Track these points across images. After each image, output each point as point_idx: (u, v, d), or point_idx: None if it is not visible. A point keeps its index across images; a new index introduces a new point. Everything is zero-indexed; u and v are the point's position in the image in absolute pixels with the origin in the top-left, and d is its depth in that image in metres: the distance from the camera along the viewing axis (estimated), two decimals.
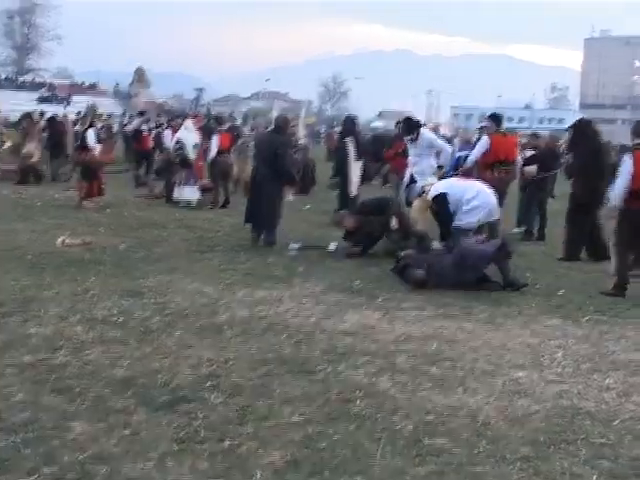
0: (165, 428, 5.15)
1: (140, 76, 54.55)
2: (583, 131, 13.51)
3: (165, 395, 5.73)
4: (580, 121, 13.94)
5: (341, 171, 16.00)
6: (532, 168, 15.48)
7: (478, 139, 15.64)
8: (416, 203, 12.38)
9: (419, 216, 12.37)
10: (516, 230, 16.21)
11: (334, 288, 9.72)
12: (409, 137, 14.36)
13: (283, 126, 13.71)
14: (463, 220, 11.52)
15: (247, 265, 11.04)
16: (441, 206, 11.68)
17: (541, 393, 6.25)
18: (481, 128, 18.56)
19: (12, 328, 7.39)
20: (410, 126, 14.56)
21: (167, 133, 19.61)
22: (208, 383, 6.02)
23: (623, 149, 18.50)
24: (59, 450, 4.77)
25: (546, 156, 16.03)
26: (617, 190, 10.56)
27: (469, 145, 16.75)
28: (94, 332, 7.33)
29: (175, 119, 21.22)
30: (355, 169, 16.24)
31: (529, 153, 16.57)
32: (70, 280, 9.51)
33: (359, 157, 16.36)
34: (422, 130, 14.60)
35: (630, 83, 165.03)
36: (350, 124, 17.78)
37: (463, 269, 10.06)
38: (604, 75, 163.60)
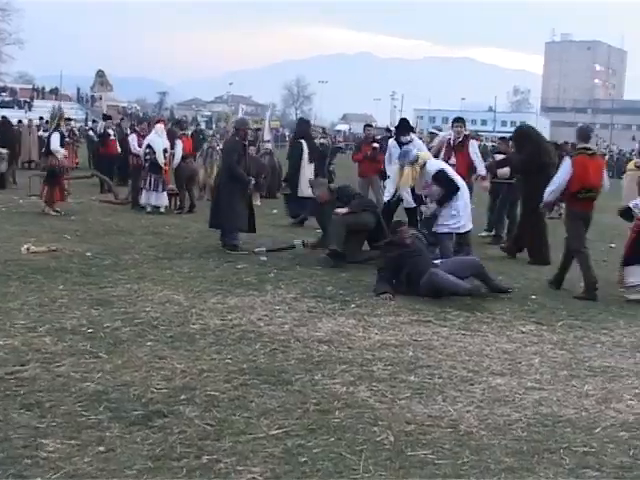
0: (140, 444, 4.99)
1: (101, 78, 53.85)
2: (526, 133, 14.44)
3: (139, 409, 5.56)
4: (522, 126, 14.42)
5: (293, 171, 16.05)
6: (505, 170, 15.46)
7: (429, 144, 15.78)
8: (407, 170, 11.91)
9: (404, 183, 12.14)
10: (484, 234, 16.23)
11: (306, 294, 9.61)
12: (405, 139, 13.59)
13: (239, 128, 13.58)
14: (450, 222, 11.43)
15: (217, 272, 10.89)
16: (445, 180, 11.43)
17: (521, 401, 6.18)
18: (432, 133, 18.66)
19: None
20: (407, 128, 14.08)
21: (132, 137, 19.35)
22: (182, 396, 5.87)
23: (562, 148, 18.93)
24: (31, 470, 4.59)
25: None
26: (549, 188, 10.96)
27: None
28: (63, 343, 7.14)
29: (140, 123, 20.98)
30: (307, 170, 16.26)
31: (499, 157, 16.58)
32: (37, 289, 9.29)
33: (311, 159, 16.36)
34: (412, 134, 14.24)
35: (590, 86, 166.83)
36: (304, 126, 17.76)
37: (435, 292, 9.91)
38: (565, 79, 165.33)
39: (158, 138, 18.01)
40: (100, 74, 53.76)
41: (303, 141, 16.91)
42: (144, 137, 18.42)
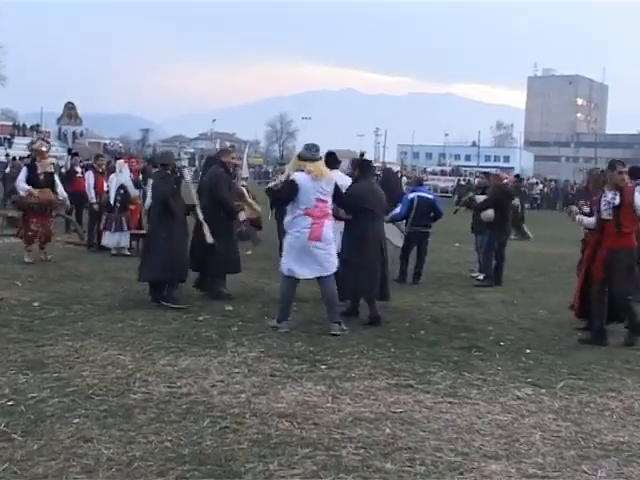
0: None
1: (70, 111, 52.47)
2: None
3: None
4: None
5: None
6: (489, 213, 14.49)
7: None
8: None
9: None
10: (477, 275, 15.24)
11: (271, 353, 8.42)
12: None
13: (222, 157, 12.29)
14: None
15: (173, 325, 9.70)
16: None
17: None
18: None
19: None
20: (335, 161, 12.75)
21: (88, 174, 18.18)
22: None
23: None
24: None
25: (498, 197, 14.99)
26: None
27: (422, 186, 15.82)
28: None
29: (96, 160, 19.59)
30: None
31: (481, 198, 15.59)
32: None
33: None
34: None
35: (573, 120, 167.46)
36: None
37: None
38: (547, 113, 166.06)
39: (113, 175, 16.94)
40: (69, 106, 52.59)
41: None
42: (102, 174, 17.34)
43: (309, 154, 10.06)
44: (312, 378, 7.54)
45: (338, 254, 10.16)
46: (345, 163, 16.54)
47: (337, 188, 10.19)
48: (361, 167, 11.15)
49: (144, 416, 6.22)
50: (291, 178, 10.01)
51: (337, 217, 10.44)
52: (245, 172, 26.49)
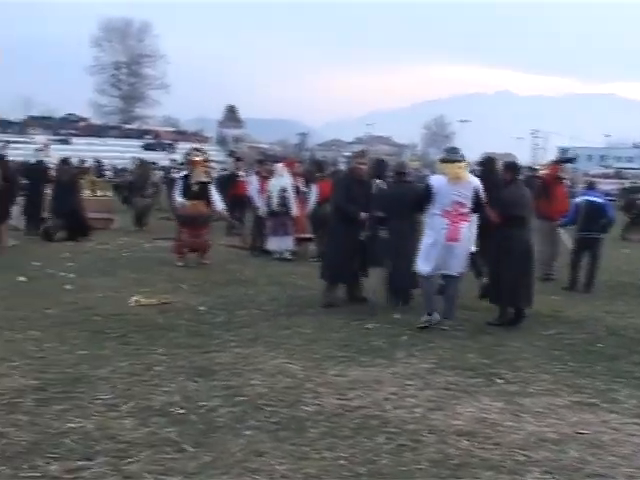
0: None
1: (231, 114, 53.41)
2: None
3: None
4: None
5: None
6: None
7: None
8: None
9: None
10: None
11: (444, 364, 8.05)
12: None
13: (351, 164, 12.23)
14: None
15: (342, 334, 9.42)
16: None
17: None
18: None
19: (46, 421, 6.00)
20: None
21: (253, 179, 18.22)
22: None
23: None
24: None
25: None
26: None
27: (593, 190, 15.01)
28: (145, 429, 5.88)
29: (260, 164, 19.58)
30: None
31: None
32: (133, 353, 8.13)
33: None
34: None
35: None
36: (381, 167, 16.64)
37: None
38: None
39: (274, 180, 16.90)
40: (231, 109, 53.42)
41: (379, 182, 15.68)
42: (266, 179, 17.27)
43: (448, 157, 10.19)
44: (489, 393, 7.14)
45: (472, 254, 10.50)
46: None
47: (476, 192, 10.10)
48: (512, 171, 10.79)
49: (316, 430, 5.97)
50: (428, 181, 10.39)
51: (486, 219, 10.41)
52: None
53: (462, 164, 10.14)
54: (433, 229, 10.01)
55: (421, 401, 6.80)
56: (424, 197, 10.13)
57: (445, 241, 9.88)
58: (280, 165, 17.74)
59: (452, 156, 10.20)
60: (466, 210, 10.01)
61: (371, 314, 10.46)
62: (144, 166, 26.10)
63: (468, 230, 10.13)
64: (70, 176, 20.20)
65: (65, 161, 21.21)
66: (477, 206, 10.15)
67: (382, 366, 7.92)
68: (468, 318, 10.39)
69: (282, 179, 16.89)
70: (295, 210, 16.83)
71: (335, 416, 6.31)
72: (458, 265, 10.09)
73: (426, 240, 10.11)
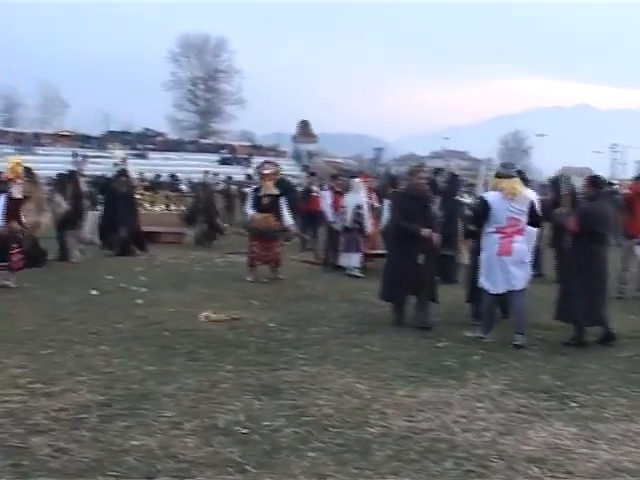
0: None
1: (304, 129, 53.46)
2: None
3: None
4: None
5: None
6: None
7: None
8: None
9: None
10: None
11: (516, 386, 7.79)
12: None
13: (409, 179, 11.77)
14: None
15: (412, 353, 9.22)
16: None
17: None
18: None
19: (109, 438, 5.95)
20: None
21: (326, 194, 18.11)
22: None
23: None
24: None
25: None
26: None
27: None
28: (208, 448, 5.79)
29: (334, 179, 19.49)
30: None
31: None
32: (200, 369, 8.08)
33: None
34: None
35: None
36: (455, 182, 16.46)
37: None
38: None
39: (350, 195, 16.76)
40: (304, 124, 53.44)
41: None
42: (340, 194, 17.16)
43: (504, 172, 10.22)
44: (562, 417, 6.88)
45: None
46: None
47: (532, 206, 10.11)
48: (596, 185, 10.51)
49: (382, 453, 5.81)
50: (483, 197, 10.32)
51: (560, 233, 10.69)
52: (481, 191, 25.86)
53: (518, 179, 10.18)
54: (487, 246, 10.05)
55: (491, 424, 6.58)
56: (481, 214, 10.08)
57: (498, 255, 9.87)
58: (357, 180, 17.61)
59: (508, 171, 10.23)
60: (521, 225, 9.96)
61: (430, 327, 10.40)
62: (207, 188, 25.71)
63: (523, 244, 10.04)
64: (128, 188, 20.32)
65: (123, 173, 21.30)
66: (534, 219, 10.16)
67: (452, 387, 7.72)
68: (542, 337, 10.13)
69: (358, 196, 16.77)
70: (369, 228, 16.71)
71: (402, 439, 6.14)
72: (520, 279, 9.97)
73: (482, 257, 10.16)
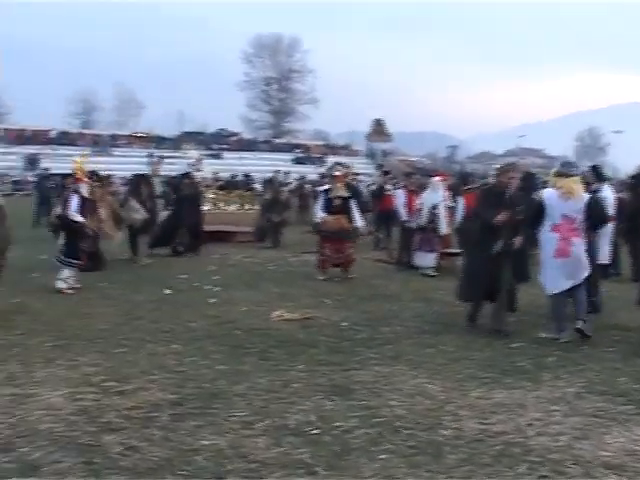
0: None
1: (378, 127, 53.14)
2: None
3: None
4: None
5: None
6: None
7: None
8: None
9: None
10: None
11: (593, 389, 7.59)
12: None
13: (499, 176, 11.45)
14: None
15: (486, 353, 9.05)
16: None
17: None
18: None
19: (180, 438, 5.97)
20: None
21: (399, 193, 17.95)
22: None
23: None
24: None
25: None
26: None
27: None
28: (278, 448, 5.77)
29: (407, 177, 19.30)
30: None
31: None
32: (272, 369, 8.07)
33: None
34: None
35: None
36: (530, 180, 16.14)
37: None
38: None
39: (427, 194, 16.60)
40: (378, 122, 53.19)
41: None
42: (414, 193, 17.01)
43: (563, 170, 10.19)
44: None
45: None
46: None
47: (589, 207, 9.96)
48: None
49: (454, 456, 5.72)
50: (538, 197, 10.49)
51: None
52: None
53: (576, 178, 10.12)
54: (545, 246, 10.09)
55: (566, 428, 6.42)
56: (537, 211, 10.04)
57: (555, 257, 9.86)
58: (436, 179, 17.41)
59: (567, 170, 10.21)
60: (576, 225, 9.87)
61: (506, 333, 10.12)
62: (274, 185, 25.70)
63: (581, 246, 9.94)
64: (192, 190, 20.41)
65: (187, 175, 21.37)
66: (597, 220, 10.18)
67: (526, 389, 7.56)
68: (620, 339, 9.88)
69: (435, 195, 16.58)
70: (445, 228, 16.52)
71: (475, 442, 6.04)
72: (580, 272, 9.93)
73: (542, 256, 10.25)
